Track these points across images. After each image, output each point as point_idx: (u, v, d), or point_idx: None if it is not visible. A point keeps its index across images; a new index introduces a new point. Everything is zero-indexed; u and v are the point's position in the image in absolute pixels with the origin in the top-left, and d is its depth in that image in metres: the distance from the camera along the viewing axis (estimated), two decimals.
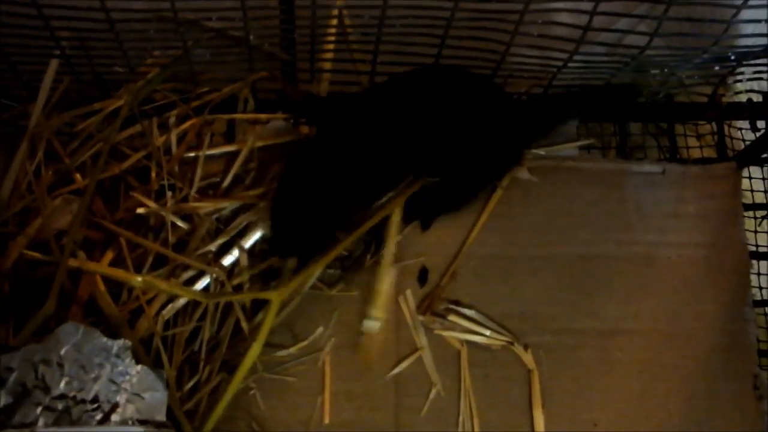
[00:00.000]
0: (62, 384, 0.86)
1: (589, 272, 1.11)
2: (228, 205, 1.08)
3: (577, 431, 1.06)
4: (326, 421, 1.05)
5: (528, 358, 1.06)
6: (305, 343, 1.08)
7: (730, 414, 1.06)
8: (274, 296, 1.01)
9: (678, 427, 1.05)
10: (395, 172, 1.08)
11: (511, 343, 1.06)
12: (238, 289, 1.05)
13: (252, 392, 1.05)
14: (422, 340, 1.08)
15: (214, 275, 1.04)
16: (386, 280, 1.08)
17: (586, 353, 1.08)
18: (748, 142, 1.21)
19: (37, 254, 1.01)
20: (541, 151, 1.16)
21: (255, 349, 0.99)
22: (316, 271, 1.06)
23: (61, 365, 0.87)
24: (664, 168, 1.16)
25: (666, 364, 1.08)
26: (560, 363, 1.08)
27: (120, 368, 0.89)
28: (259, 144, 1.14)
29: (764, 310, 1.15)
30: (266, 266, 1.07)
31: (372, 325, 1.07)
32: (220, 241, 1.06)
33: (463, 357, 1.07)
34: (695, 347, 1.09)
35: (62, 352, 0.88)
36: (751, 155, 1.16)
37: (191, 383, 1.02)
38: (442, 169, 1.07)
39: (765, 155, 1.16)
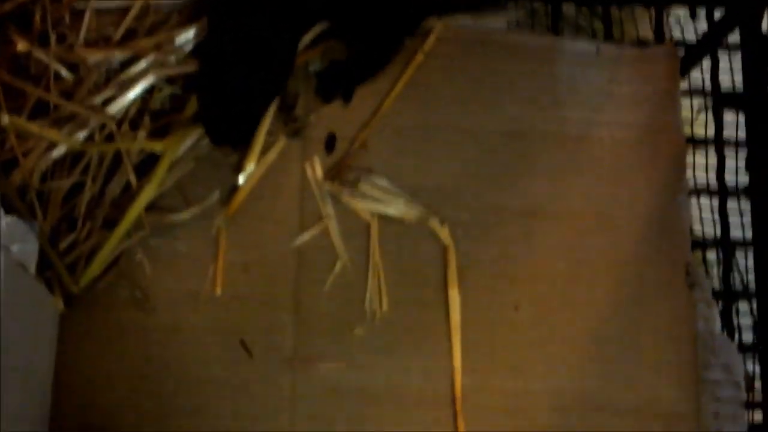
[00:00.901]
0: None
1: (514, 148, 1.02)
2: (118, 56, 0.95)
3: (496, 313, 0.96)
4: (218, 292, 0.93)
5: (444, 233, 0.97)
6: (199, 208, 0.96)
7: (660, 302, 0.98)
8: (166, 147, 0.89)
9: (604, 312, 0.97)
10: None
11: (426, 218, 0.95)
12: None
13: (138, 258, 0.92)
14: (328, 209, 0.98)
15: (100, 123, 0.92)
16: (262, 132, 0.97)
17: (508, 232, 0.99)
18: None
19: None
20: (467, 21, 1.04)
21: (140, 202, 0.90)
22: None
23: None
24: (598, 47, 1.07)
25: (593, 247, 0.99)
26: (479, 241, 0.99)
27: None
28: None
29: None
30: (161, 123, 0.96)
31: (241, 177, 0.97)
32: (109, 92, 0.93)
33: (372, 229, 0.98)
34: (625, 232, 1.00)
35: None
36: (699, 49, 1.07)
37: (69, 240, 0.90)
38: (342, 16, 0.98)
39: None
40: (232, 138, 0.96)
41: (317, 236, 0.97)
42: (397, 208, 0.97)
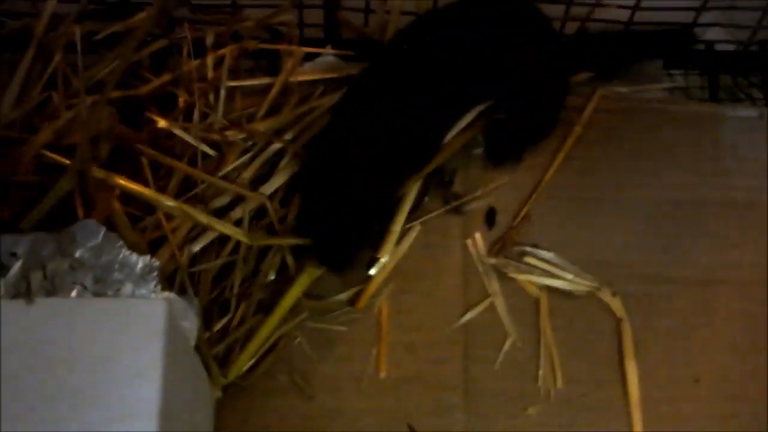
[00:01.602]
0: (73, 293, 0.69)
1: (681, 217, 0.98)
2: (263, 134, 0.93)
3: (676, 388, 0.90)
4: (382, 374, 0.87)
5: (617, 305, 0.92)
6: (359, 288, 0.92)
7: None
8: None
9: None
10: (455, 102, 0.95)
11: (598, 289, 0.90)
12: (282, 221, 0.89)
13: (297, 341, 0.88)
14: (494, 285, 0.94)
15: (252, 206, 0.90)
16: (400, 220, 0.94)
17: (681, 303, 0.94)
18: None
19: (56, 156, 0.85)
20: (623, 89, 1.01)
21: (297, 287, 0.88)
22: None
23: (74, 269, 0.70)
24: (761, 112, 1.03)
25: None
26: (652, 313, 0.93)
27: (143, 291, 0.71)
28: (302, 78, 0.98)
29: None
30: None
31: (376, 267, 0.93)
32: (256, 165, 0.91)
33: (542, 304, 0.93)
34: None
35: (77, 254, 0.71)
36: None
37: (221, 323, 0.87)
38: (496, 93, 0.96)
39: None
40: (339, 261, 0.91)
41: (484, 313, 0.92)
42: (566, 281, 0.92)
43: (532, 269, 0.94)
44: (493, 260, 0.93)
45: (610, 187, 0.98)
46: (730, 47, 1.10)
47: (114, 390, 0.61)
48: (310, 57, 1.01)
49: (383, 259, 0.91)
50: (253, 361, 0.88)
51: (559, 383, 0.89)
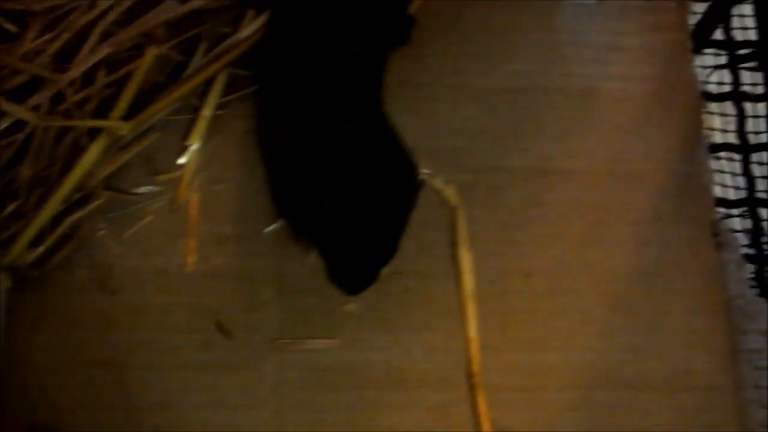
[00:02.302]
0: None
1: (517, 105, 0.92)
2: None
3: (506, 282, 0.85)
4: (190, 268, 0.81)
5: (450, 192, 0.86)
6: (167, 176, 0.85)
7: (686, 264, 0.88)
8: (125, 129, 0.80)
9: (625, 277, 0.86)
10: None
11: (430, 177, 0.85)
12: (82, 105, 0.81)
13: (100, 233, 0.81)
14: None
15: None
16: (211, 104, 0.86)
17: (515, 194, 0.89)
18: None
19: None
20: None
21: (88, 157, 0.80)
22: (178, 95, 0.86)
23: None
24: None
25: (609, 207, 0.89)
26: (484, 205, 0.88)
27: None
28: None
29: None
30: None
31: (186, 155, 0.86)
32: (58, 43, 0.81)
33: None
34: (642, 190, 0.90)
35: None
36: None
37: (10, 208, 0.77)
38: None
39: None
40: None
41: None
42: None
43: None
44: None
45: (443, 73, 0.92)
46: None
47: None
48: None
49: (193, 147, 0.83)
50: (44, 248, 0.80)
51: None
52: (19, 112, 0.79)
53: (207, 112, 0.85)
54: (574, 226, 0.87)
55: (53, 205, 0.78)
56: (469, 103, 0.91)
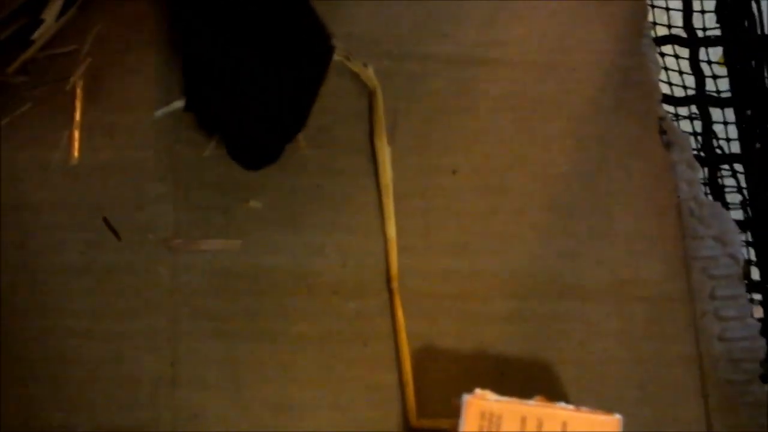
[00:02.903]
0: None
1: None
2: None
3: (429, 179, 0.78)
4: (74, 161, 0.71)
5: (368, 75, 0.78)
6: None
7: (631, 163, 0.80)
8: None
9: (563, 176, 0.79)
10: None
11: (347, 59, 0.77)
12: None
13: None
14: None
15: None
16: None
17: (440, 84, 0.80)
18: None
19: None
20: None
21: None
22: None
23: None
24: None
25: (543, 99, 0.80)
26: (405, 96, 0.79)
27: None
28: None
29: None
30: None
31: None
32: None
33: None
34: (581, 81, 0.82)
35: None
36: None
37: None
38: None
39: None
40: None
41: None
42: None
43: None
44: None
45: None
46: None
47: None
48: None
49: (47, 21, 0.73)
50: None
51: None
52: None
53: None
54: (505, 120, 0.78)
55: None
56: None
